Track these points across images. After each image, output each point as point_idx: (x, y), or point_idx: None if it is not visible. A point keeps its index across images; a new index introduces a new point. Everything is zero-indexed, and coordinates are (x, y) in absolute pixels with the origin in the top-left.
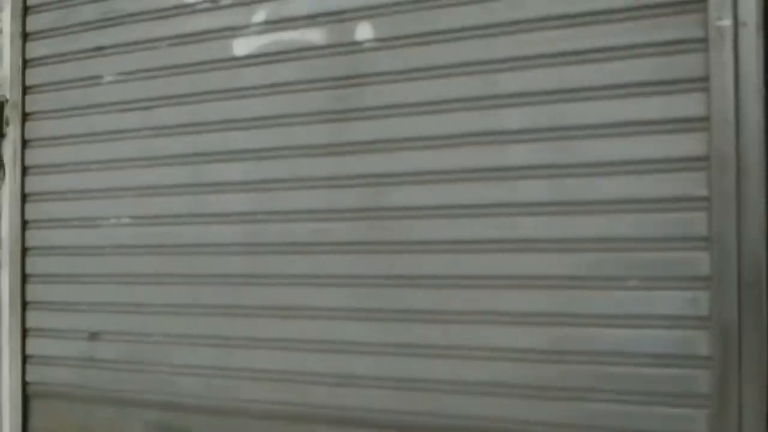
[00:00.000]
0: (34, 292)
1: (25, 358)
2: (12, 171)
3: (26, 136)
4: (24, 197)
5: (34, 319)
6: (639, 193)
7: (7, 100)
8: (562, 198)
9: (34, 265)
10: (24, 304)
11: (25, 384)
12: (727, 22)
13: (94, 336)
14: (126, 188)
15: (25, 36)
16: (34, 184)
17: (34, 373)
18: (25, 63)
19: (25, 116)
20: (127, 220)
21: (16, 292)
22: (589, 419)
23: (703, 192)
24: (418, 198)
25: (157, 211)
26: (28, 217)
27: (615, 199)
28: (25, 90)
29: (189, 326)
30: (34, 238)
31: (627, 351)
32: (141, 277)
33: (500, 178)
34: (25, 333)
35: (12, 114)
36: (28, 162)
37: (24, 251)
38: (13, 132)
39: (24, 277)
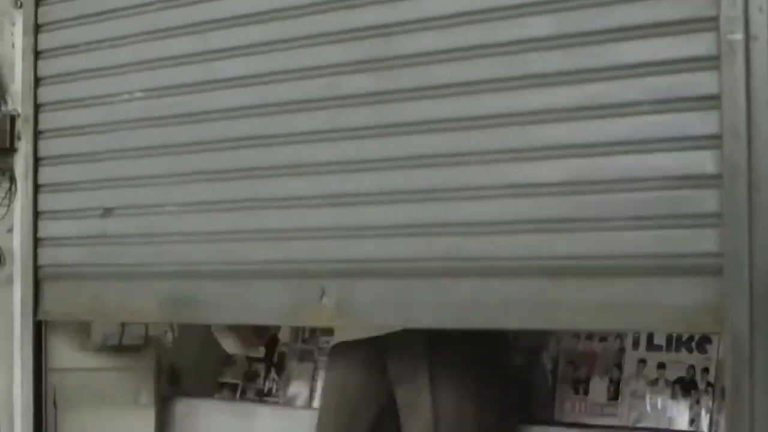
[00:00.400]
0: (45, 174)
1: (36, 242)
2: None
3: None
4: (37, 83)
5: (46, 201)
6: (646, 19)
7: (18, 115)
8: (568, 31)
9: (46, 147)
10: (36, 187)
11: (36, 267)
12: (739, 36)
13: (107, 212)
14: (136, 63)
15: (36, 53)
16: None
17: (45, 256)
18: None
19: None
20: (139, 95)
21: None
22: (605, 248)
23: (710, 12)
24: (429, 44)
25: (167, 83)
26: (40, 105)
27: (622, 27)
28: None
29: (200, 193)
30: (46, 120)
31: (639, 176)
32: (153, 149)
33: (506, 17)
34: (36, 216)
35: (24, 128)
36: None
37: (36, 133)
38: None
39: (36, 160)
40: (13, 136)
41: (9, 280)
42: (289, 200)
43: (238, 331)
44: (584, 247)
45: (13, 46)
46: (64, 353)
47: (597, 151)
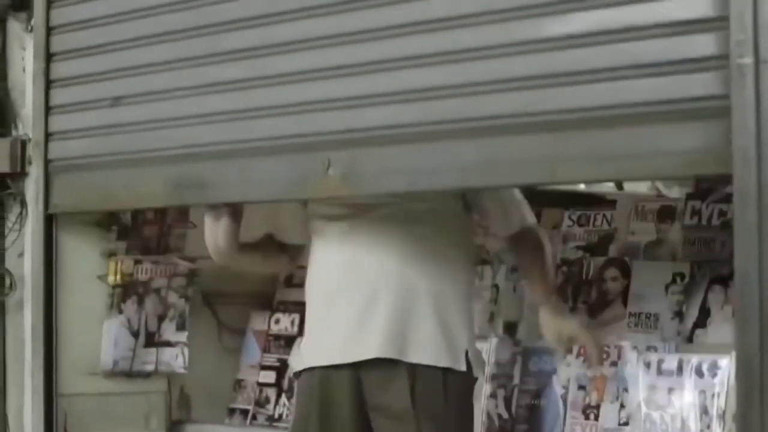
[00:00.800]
0: (57, 69)
1: (47, 136)
2: None
3: None
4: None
5: (57, 96)
6: None
7: (29, 140)
8: None
9: (59, 42)
10: (48, 83)
11: (47, 162)
12: (749, 60)
13: (116, 101)
14: None
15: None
16: None
17: (55, 150)
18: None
19: None
20: None
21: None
22: (606, 98)
23: None
24: None
25: None
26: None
27: None
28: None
29: (205, 75)
30: (59, 16)
31: (640, 24)
32: (162, 36)
33: None
34: (48, 111)
35: (35, 153)
36: None
37: (49, 30)
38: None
39: (48, 57)
40: (24, 161)
41: (20, 305)
42: (291, 76)
43: (228, 218)
44: (586, 99)
45: (24, 71)
46: (74, 378)
47: (595, 4)
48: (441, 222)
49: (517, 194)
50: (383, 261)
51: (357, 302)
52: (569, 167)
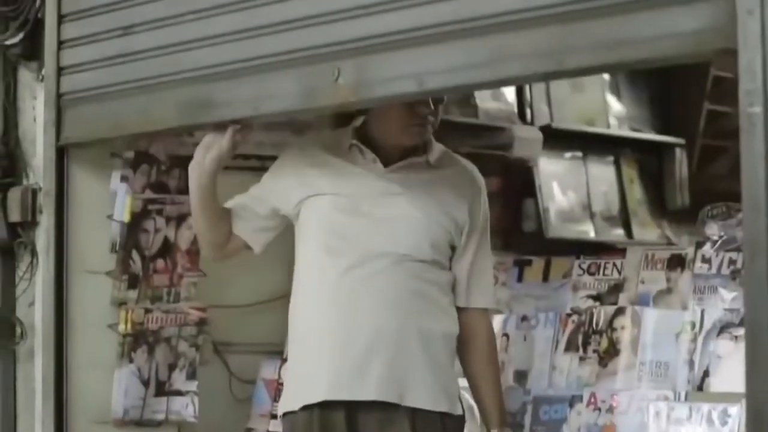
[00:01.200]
0: (67, 3)
1: (59, 71)
2: None
3: None
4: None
5: (68, 30)
6: None
7: (40, 188)
8: None
9: None
10: (60, 18)
11: (59, 96)
12: (758, 109)
13: (127, 30)
14: None
15: (59, 129)
16: None
17: (67, 83)
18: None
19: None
20: None
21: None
22: None
23: None
24: None
25: None
26: None
27: None
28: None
29: None
30: None
31: None
32: None
33: None
34: (60, 45)
35: (45, 201)
36: None
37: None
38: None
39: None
40: (34, 210)
41: (30, 354)
42: None
43: (230, 138)
44: None
45: (34, 120)
46: (85, 427)
47: None
48: (434, 275)
49: (489, 270)
50: (381, 305)
51: (355, 343)
52: (577, 56)
